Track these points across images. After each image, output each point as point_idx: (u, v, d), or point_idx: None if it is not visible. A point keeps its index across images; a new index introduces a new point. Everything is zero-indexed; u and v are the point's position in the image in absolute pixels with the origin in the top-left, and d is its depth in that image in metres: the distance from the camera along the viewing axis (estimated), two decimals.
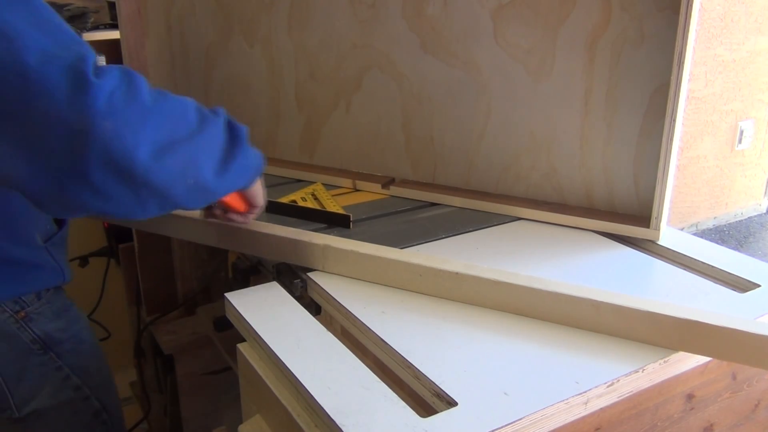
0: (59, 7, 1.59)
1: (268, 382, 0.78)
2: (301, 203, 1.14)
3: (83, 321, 1.00)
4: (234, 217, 0.93)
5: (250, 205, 0.90)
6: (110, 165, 0.64)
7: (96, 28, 1.70)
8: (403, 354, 0.75)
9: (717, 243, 1.08)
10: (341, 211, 1.10)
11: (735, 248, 2.29)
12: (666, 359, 0.75)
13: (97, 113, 0.63)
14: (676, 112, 0.95)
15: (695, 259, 0.98)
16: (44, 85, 0.62)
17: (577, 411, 0.70)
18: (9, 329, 0.88)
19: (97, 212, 0.71)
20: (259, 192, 0.89)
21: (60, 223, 0.94)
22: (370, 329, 0.81)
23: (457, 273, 0.85)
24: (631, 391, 0.74)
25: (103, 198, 0.67)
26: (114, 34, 1.66)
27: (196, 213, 0.99)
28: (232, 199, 0.88)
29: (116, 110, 0.64)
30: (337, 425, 0.64)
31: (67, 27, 0.67)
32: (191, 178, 0.71)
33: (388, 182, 1.24)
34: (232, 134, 0.77)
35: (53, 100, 0.62)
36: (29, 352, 0.90)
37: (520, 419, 0.65)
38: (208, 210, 0.95)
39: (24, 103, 0.62)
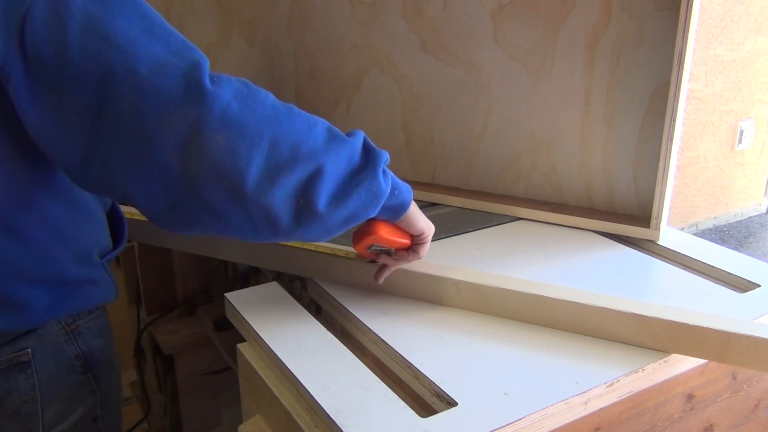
0: None
1: (268, 382, 0.78)
2: None
3: (114, 347, 0.94)
4: (403, 255, 0.82)
5: (411, 235, 0.80)
6: (221, 181, 0.61)
7: None
8: (403, 354, 0.75)
9: (717, 243, 1.08)
10: None
11: (735, 248, 2.29)
12: (666, 359, 0.75)
13: (210, 125, 0.59)
14: (676, 112, 0.95)
15: (695, 259, 0.98)
16: (157, 95, 0.58)
17: (577, 411, 0.70)
18: (58, 342, 0.82)
19: (214, 232, 0.68)
20: (412, 219, 0.78)
21: (117, 240, 0.88)
22: (370, 329, 0.81)
23: (456, 281, 0.85)
24: (631, 392, 0.74)
25: (216, 216, 0.64)
26: None
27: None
28: (388, 234, 0.78)
29: (231, 123, 0.60)
30: (337, 425, 0.64)
31: (177, 32, 0.63)
32: (302, 198, 0.65)
33: None
34: (366, 160, 0.69)
35: (166, 111, 0.58)
36: (70, 369, 0.83)
37: (520, 419, 0.65)
38: (378, 260, 0.84)
39: (136, 115, 0.58)
